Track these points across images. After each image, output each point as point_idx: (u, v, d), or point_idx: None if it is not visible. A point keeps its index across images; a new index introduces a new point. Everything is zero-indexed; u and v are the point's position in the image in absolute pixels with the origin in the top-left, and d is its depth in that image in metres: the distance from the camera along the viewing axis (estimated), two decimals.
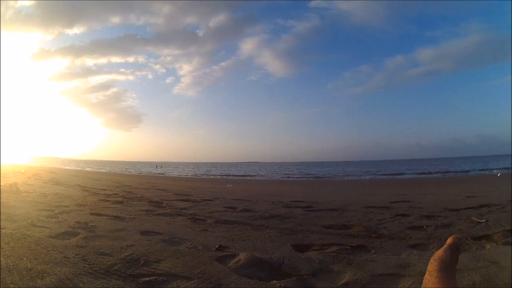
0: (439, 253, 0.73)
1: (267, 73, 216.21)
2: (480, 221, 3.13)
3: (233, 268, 1.77)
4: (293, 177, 23.39)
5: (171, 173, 28.66)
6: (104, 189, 6.84)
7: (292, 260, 1.96)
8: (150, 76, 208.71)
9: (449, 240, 0.78)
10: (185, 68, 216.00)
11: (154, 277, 1.59)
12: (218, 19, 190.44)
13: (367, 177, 21.67)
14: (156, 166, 49.64)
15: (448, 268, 0.68)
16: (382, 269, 1.89)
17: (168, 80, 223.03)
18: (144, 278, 1.58)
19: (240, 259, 1.90)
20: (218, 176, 24.08)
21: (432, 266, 0.70)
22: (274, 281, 1.62)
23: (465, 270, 1.90)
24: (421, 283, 0.70)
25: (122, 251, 1.98)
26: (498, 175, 15.73)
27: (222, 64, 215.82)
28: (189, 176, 23.67)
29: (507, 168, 23.22)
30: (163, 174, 26.56)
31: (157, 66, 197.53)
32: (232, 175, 25.86)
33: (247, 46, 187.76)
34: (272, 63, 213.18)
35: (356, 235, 2.81)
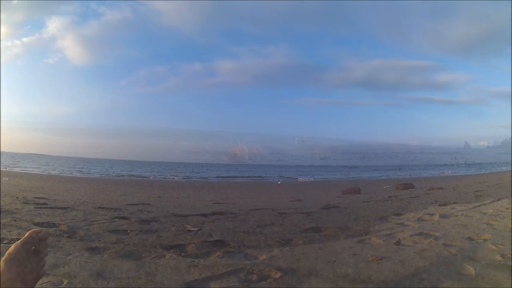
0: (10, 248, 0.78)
1: (65, 58, 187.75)
2: (192, 229, 2.90)
3: None
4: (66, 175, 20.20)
5: None
6: None
7: None
8: None
9: (26, 235, 0.81)
10: None
11: None
12: None
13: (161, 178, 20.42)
14: None
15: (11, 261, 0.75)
16: None
17: None
18: None
19: None
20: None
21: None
22: None
23: (118, 280, 1.63)
24: None
25: None
26: (278, 182, 17.88)
27: (25, 39, 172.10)
28: None
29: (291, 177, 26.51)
30: None
31: None
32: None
33: (54, 24, 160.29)
34: (73, 48, 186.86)
35: (52, 234, 2.47)
